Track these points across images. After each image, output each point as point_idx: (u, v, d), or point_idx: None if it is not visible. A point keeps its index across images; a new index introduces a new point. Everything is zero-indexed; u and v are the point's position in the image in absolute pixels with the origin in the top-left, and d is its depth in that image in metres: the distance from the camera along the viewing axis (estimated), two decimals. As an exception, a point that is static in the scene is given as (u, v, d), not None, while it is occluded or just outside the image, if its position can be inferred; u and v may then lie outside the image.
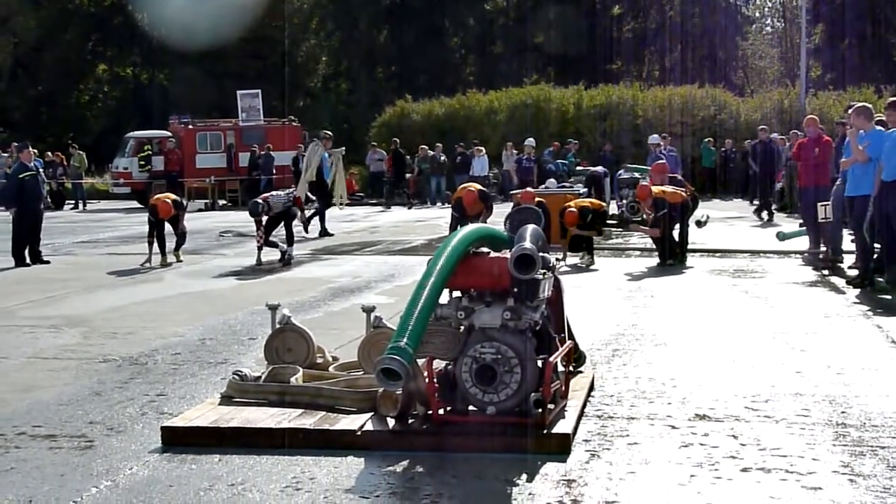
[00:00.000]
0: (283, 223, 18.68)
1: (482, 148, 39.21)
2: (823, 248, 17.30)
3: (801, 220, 20.85)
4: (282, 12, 64.17)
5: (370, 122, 48.85)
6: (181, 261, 18.46)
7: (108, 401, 8.28)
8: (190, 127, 42.17)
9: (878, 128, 14.40)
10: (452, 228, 17.55)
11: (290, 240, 18.80)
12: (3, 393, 8.63)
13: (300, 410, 7.39)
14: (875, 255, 14.39)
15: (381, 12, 63.71)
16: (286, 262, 18.14)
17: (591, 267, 16.95)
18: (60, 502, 5.92)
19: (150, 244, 18.21)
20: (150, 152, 40.60)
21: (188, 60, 59.18)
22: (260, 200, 18.64)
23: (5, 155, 31.99)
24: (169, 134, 42.42)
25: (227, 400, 7.72)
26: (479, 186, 20.39)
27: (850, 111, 15.99)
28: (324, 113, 56.22)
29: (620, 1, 65.76)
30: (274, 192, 20.16)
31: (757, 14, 68.90)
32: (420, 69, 57.88)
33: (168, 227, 18.81)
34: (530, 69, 55.28)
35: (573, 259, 17.58)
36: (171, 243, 18.75)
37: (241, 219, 25.61)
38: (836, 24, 58.21)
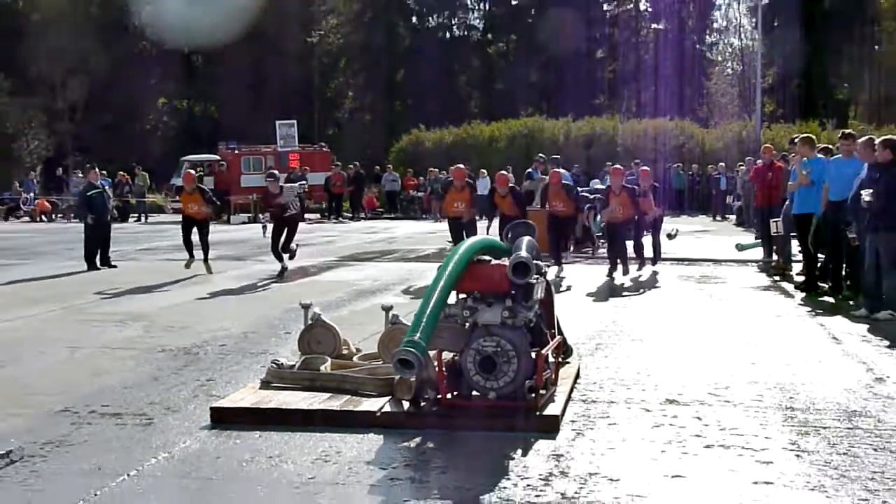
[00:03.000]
0: (287, 229, 17.18)
1: (484, 171, 39.25)
2: (775, 258, 17.33)
3: (756, 234, 20.91)
4: (313, 54, 64.38)
5: (389, 148, 48.88)
6: (211, 272, 17.11)
7: (165, 384, 8.31)
8: (236, 152, 42.30)
9: (820, 155, 14.53)
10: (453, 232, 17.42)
11: (285, 246, 17.30)
12: (77, 377, 8.66)
13: (328, 394, 7.41)
14: (818, 264, 14.44)
15: (399, 55, 63.76)
16: (281, 273, 16.92)
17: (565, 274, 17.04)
18: (125, 470, 5.93)
19: (188, 246, 17.62)
20: (201, 173, 40.62)
21: (234, 95, 59.34)
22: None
23: (81, 175, 32.03)
24: (218, 157, 42.53)
25: (266, 385, 7.73)
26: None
27: (795, 142, 16.08)
28: (349, 140, 56.22)
29: (603, 45, 65.85)
30: (289, 185, 19.48)
31: (719, 58, 68.75)
32: (432, 103, 57.82)
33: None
34: (526, 103, 55.24)
35: None
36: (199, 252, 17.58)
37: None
38: (786, 67, 58.23)
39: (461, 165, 18.86)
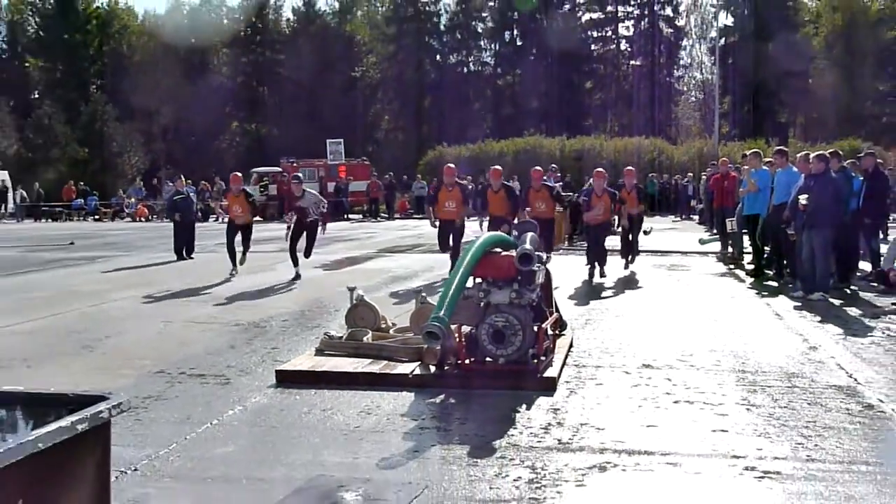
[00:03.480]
0: (306, 234, 14.67)
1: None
2: (730, 250, 17.28)
3: (714, 231, 20.86)
4: (356, 86, 64.46)
5: (417, 162, 48.86)
6: (242, 264, 15.05)
7: (239, 352, 8.34)
8: (294, 164, 42.30)
9: (765, 167, 14.52)
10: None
11: (307, 252, 14.69)
12: (169, 345, 8.71)
13: (370, 360, 7.42)
14: (765, 255, 14.42)
15: (425, 86, 63.78)
16: (294, 279, 14.07)
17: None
18: (209, 419, 5.97)
19: (231, 254, 15.16)
20: (266, 182, 40.73)
21: (293, 119, 59.49)
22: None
23: (171, 184, 32.18)
24: (280, 169, 42.56)
25: (320, 352, 7.74)
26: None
27: (745, 157, 16.07)
28: (385, 155, 56.25)
29: (591, 77, 65.63)
30: (312, 193, 15.80)
31: (684, 88, 68.49)
32: (452, 125, 57.75)
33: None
34: (528, 125, 55.06)
35: None
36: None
37: (329, 227, 25.65)
38: (738, 96, 58.09)
39: (451, 165, 15.90)
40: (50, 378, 7.17)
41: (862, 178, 14.07)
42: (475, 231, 16.29)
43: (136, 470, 4.89)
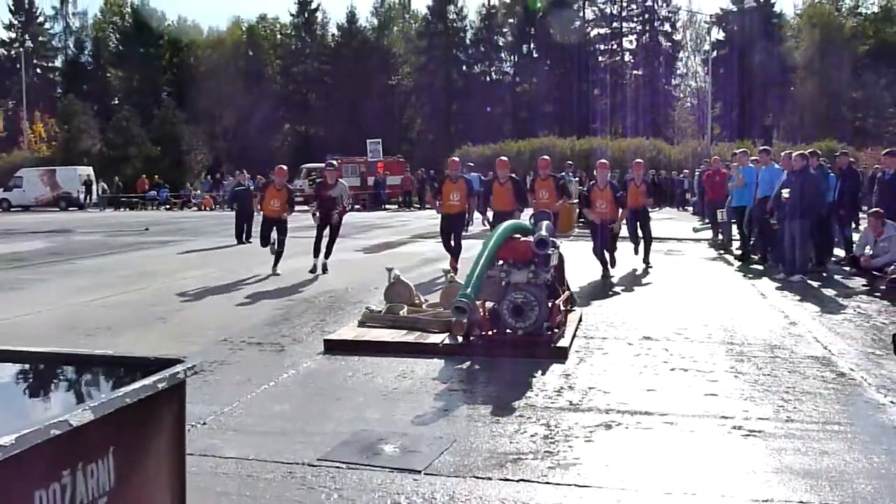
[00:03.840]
0: (329, 231, 12.90)
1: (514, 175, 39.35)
2: (720, 238, 17.16)
3: (706, 221, 20.71)
4: (393, 92, 64.36)
5: (447, 157, 48.71)
6: (278, 273, 12.44)
7: (292, 323, 8.39)
8: (339, 161, 42.37)
9: (751, 165, 14.41)
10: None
11: (328, 251, 12.76)
12: (232, 318, 8.77)
13: (405, 331, 7.45)
14: (751, 242, 14.32)
15: (453, 93, 63.52)
16: (314, 269, 12.38)
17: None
18: (266, 381, 6.02)
19: (267, 242, 13.19)
20: (314, 177, 40.80)
21: (337, 122, 59.53)
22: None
23: (232, 178, 32.27)
24: (325, 165, 42.66)
25: (362, 324, 7.78)
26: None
27: (735, 155, 15.96)
28: (418, 153, 56.09)
29: (598, 85, 65.13)
30: (343, 184, 13.76)
31: (681, 95, 67.79)
32: (476, 126, 57.50)
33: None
34: (543, 127, 54.75)
35: None
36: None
37: (369, 216, 25.74)
38: (728, 102, 57.49)
39: (456, 158, 14.22)
40: (130, 344, 7.26)
41: (836, 175, 13.95)
42: (480, 225, 15.23)
43: (204, 424, 4.95)
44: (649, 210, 14.05)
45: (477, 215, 14.02)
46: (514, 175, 12.59)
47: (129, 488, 2.45)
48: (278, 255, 12.77)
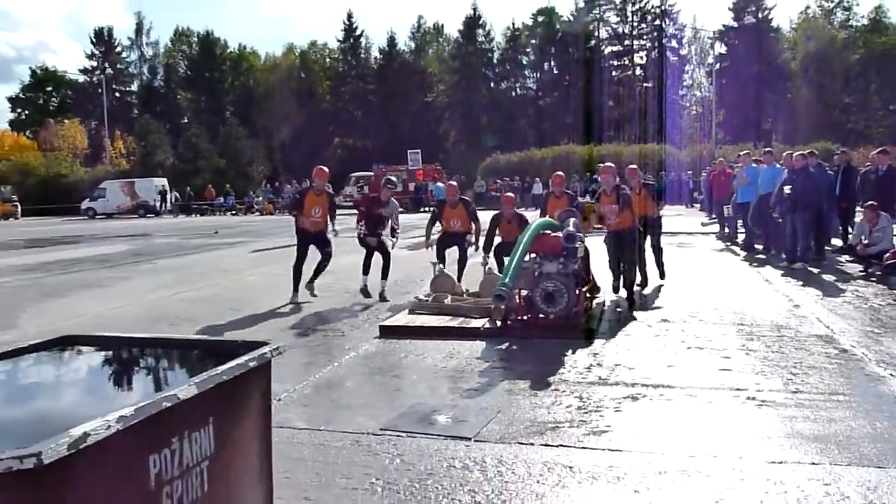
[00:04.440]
0: (381, 256, 9.59)
1: (538, 179, 39.27)
2: (727, 231, 16.98)
3: (713, 216, 20.49)
4: (430, 108, 64.35)
5: (478, 166, 48.62)
6: (315, 295, 9.50)
7: (350, 312, 8.45)
8: (383, 169, 42.55)
9: (754, 165, 14.27)
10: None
11: (384, 274, 9.45)
12: (297, 308, 8.85)
13: (450, 317, 7.50)
14: (756, 234, 14.17)
15: (482, 107, 63.34)
16: (364, 292, 9.31)
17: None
18: (330, 362, 6.10)
19: (298, 275, 9.51)
20: (362, 184, 41.02)
21: (381, 135, 59.74)
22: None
23: (289, 186, 32.57)
24: (372, 173, 42.87)
25: (412, 311, 7.85)
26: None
27: (739, 157, 15.81)
28: (453, 161, 56.04)
29: (613, 97, 64.64)
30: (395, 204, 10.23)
31: (687, 104, 66.95)
32: (503, 137, 57.32)
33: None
34: (563, 136, 54.43)
35: None
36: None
37: (411, 217, 25.79)
38: (731, 109, 56.69)
39: (453, 182, 11.91)
40: (209, 333, 7.36)
41: (834, 172, 13.75)
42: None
43: (279, 400, 5.03)
44: (660, 218, 10.63)
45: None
46: (568, 191, 10.31)
47: (225, 453, 2.52)
48: (320, 269, 9.68)
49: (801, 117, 54.64)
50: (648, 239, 10.05)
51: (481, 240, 9.52)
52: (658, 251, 10.43)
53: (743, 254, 13.77)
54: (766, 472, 3.66)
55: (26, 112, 68.51)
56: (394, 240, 10.13)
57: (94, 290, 11.04)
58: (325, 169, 9.95)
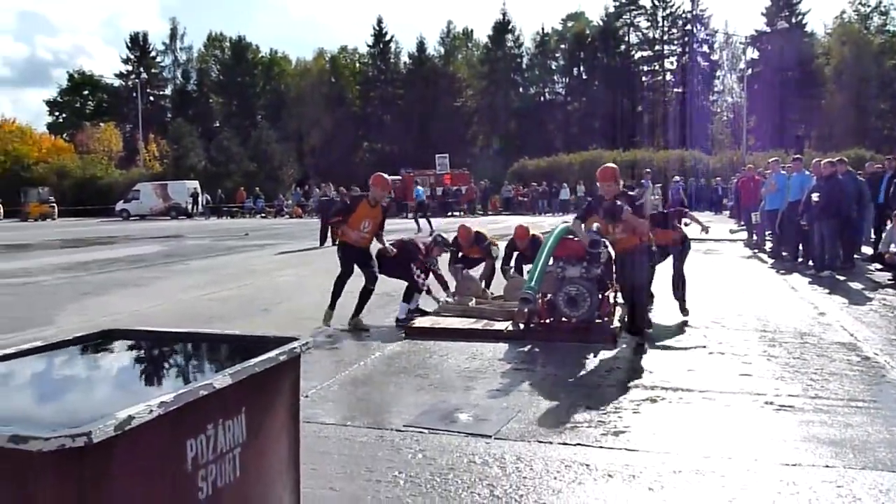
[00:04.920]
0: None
1: (565, 183, 39.21)
2: (755, 238, 16.89)
3: (741, 223, 20.37)
4: (458, 112, 64.56)
5: (506, 171, 48.67)
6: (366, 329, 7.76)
7: (377, 314, 8.45)
8: (411, 173, 42.82)
9: (783, 172, 14.25)
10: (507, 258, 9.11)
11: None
12: (325, 308, 8.94)
13: (474, 319, 7.60)
14: (783, 241, 14.10)
15: (511, 112, 63.40)
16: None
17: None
18: (357, 360, 6.25)
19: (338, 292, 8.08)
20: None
21: (409, 139, 60.02)
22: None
23: (318, 190, 32.89)
24: (401, 178, 43.13)
25: (437, 313, 7.97)
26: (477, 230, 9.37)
27: (770, 162, 15.77)
28: (480, 166, 56.13)
29: (642, 102, 64.36)
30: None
31: (718, 110, 66.38)
32: (531, 142, 57.31)
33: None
34: (591, 140, 54.26)
35: None
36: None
37: (437, 222, 25.90)
38: (762, 115, 56.10)
39: (466, 225, 9.61)
40: (240, 331, 7.53)
41: (873, 178, 13.66)
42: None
43: (307, 396, 5.18)
44: (684, 240, 8.60)
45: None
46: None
47: (256, 442, 2.67)
48: (365, 297, 7.93)
49: (835, 124, 53.97)
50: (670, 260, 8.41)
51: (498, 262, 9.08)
52: (679, 280, 8.28)
53: (770, 261, 13.72)
54: (779, 474, 3.74)
55: (63, 115, 69.91)
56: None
57: (129, 288, 11.33)
58: (385, 177, 8.27)
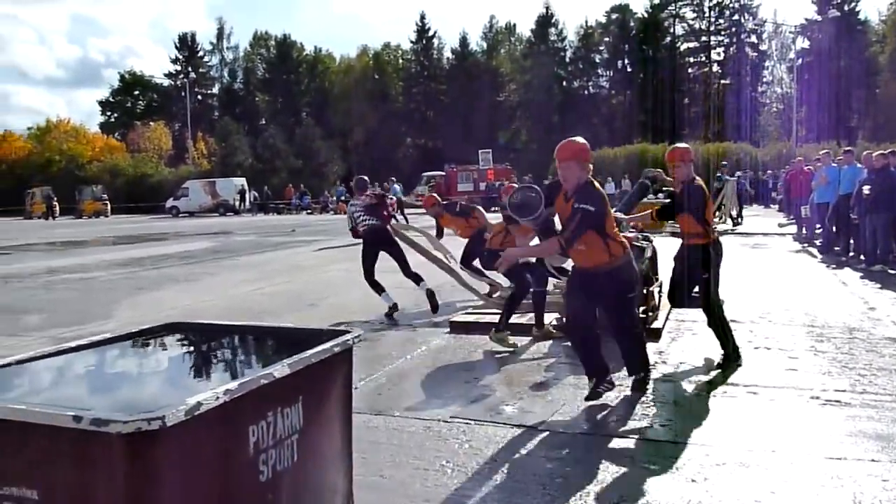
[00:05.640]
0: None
1: (610, 177, 38.99)
2: (805, 232, 16.63)
3: (791, 216, 20.06)
4: (500, 108, 64.50)
5: (548, 166, 48.36)
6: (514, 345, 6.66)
7: (421, 308, 8.59)
8: (455, 169, 42.98)
9: (834, 164, 14.00)
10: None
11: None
12: (372, 303, 8.92)
13: (519, 314, 7.62)
14: (833, 235, 13.88)
15: (554, 107, 63.07)
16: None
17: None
18: (403, 355, 6.36)
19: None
20: (433, 183, 41.48)
21: (453, 135, 60.13)
22: None
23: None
24: (444, 173, 43.31)
25: (482, 308, 8.06)
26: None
27: (821, 154, 15.53)
28: (523, 161, 55.98)
29: (688, 95, 63.49)
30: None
31: (766, 101, 65.13)
32: (576, 135, 56.94)
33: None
34: (636, 134, 53.80)
35: None
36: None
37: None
38: (813, 105, 54.88)
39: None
40: (290, 325, 7.72)
41: None
42: None
43: (356, 388, 5.31)
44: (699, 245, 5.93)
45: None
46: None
47: (312, 429, 2.81)
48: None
49: (890, 114, 52.54)
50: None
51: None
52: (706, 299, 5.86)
53: (820, 256, 13.52)
54: (824, 468, 3.76)
55: (115, 115, 71.65)
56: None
57: (181, 284, 11.66)
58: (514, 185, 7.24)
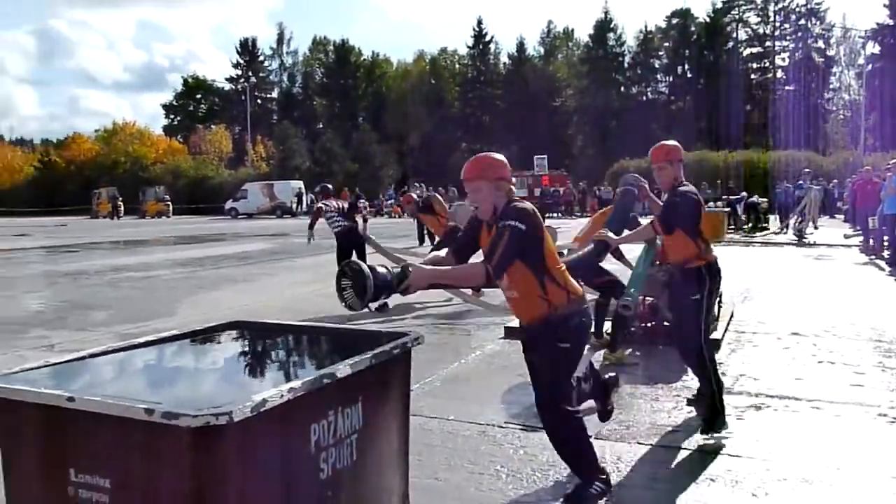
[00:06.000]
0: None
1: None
2: (872, 243, 16.12)
3: (858, 227, 19.48)
4: (557, 112, 64.18)
5: (604, 172, 48.01)
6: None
7: (476, 313, 8.61)
8: (509, 175, 42.94)
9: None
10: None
11: None
12: (426, 307, 9.18)
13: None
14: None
15: (611, 112, 62.40)
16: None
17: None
18: (458, 358, 6.40)
19: None
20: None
21: (508, 139, 60.11)
22: None
23: (417, 189, 33.43)
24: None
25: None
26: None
27: (890, 163, 15.05)
28: (580, 167, 55.58)
29: (751, 101, 62.19)
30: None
31: (834, 108, 63.38)
32: (632, 141, 56.29)
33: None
34: (696, 140, 52.84)
35: None
36: None
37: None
38: (883, 113, 53.18)
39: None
40: (349, 326, 7.83)
41: None
42: None
43: (411, 391, 5.39)
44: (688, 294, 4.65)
45: None
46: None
47: (371, 429, 2.86)
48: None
49: (965, 123, 50.64)
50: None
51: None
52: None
53: (888, 268, 13.09)
54: (890, 487, 3.66)
55: (178, 118, 73.66)
56: None
57: (239, 284, 11.91)
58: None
